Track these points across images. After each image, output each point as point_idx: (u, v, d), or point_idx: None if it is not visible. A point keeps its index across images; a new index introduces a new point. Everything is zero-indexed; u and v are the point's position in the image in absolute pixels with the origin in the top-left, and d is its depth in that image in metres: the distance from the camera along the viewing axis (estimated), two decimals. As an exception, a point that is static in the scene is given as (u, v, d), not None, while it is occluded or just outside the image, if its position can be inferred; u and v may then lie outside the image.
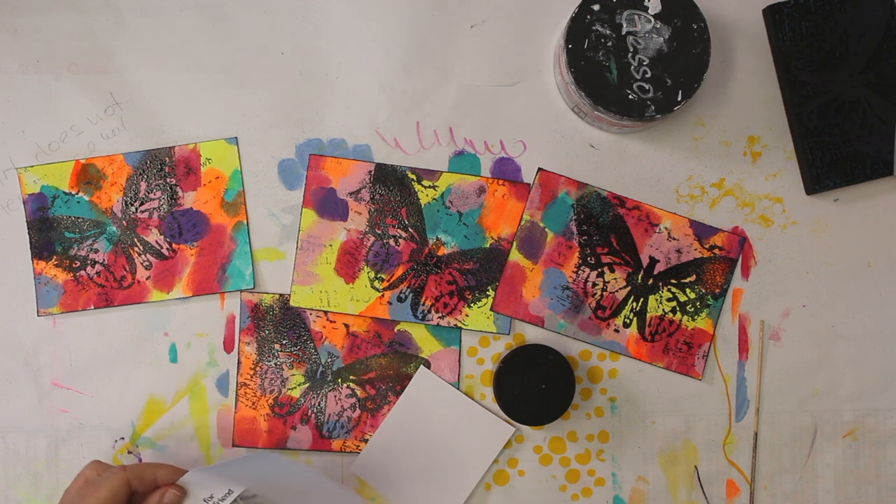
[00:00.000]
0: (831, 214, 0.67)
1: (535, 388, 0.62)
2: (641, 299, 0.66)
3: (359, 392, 0.67)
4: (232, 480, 0.56)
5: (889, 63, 0.65)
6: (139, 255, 0.66)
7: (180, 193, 0.66)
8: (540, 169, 0.66)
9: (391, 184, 0.66)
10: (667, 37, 0.61)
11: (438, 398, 0.66)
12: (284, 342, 0.67)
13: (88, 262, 0.66)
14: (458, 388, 0.66)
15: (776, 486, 0.67)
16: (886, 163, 0.65)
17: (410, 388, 0.66)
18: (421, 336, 0.67)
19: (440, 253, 0.66)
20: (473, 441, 0.66)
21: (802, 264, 0.67)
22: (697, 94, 0.66)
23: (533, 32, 0.66)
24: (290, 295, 0.66)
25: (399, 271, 0.66)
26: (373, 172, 0.66)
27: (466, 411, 0.66)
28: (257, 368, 0.66)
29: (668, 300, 0.66)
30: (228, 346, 0.67)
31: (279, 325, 0.66)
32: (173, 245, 0.66)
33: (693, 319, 0.66)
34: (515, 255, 0.66)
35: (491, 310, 0.66)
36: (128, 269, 0.66)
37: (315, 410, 0.66)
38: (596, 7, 0.61)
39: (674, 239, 0.66)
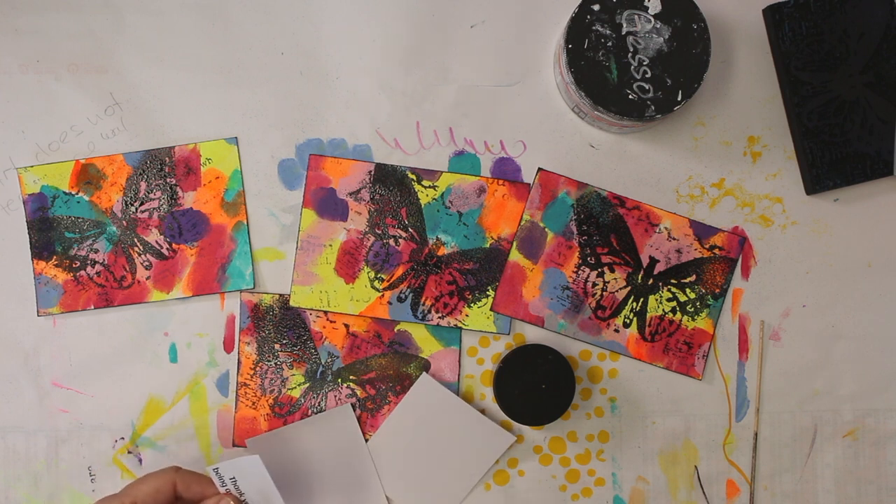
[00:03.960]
0: (831, 214, 0.67)
1: (535, 388, 0.62)
2: (641, 299, 0.66)
3: (359, 392, 0.67)
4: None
5: (889, 63, 0.65)
6: (139, 255, 0.66)
7: (180, 193, 0.66)
8: (540, 169, 0.66)
9: (391, 184, 0.66)
10: (667, 37, 0.61)
11: (439, 405, 0.66)
12: (284, 342, 0.67)
13: (88, 262, 0.66)
14: (458, 395, 0.66)
15: (776, 486, 0.67)
16: (886, 163, 0.65)
17: (411, 394, 0.66)
18: (421, 336, 0.67)
19: (440, 253, 0.66)
20: (473, 448, 0.66)
21: (802, 264, 0.67)
22: (697, 94, 0.66)
23: (533, 32, 0.66)
24: (290, 295, 0.66)
25: (399, 271, 0.66)
26: (373, 172, 0.66)
27: (467, 419, 0.66)
28: (257, 368, 0.66)
29: (668, 300, 0.66)
30: (228, 346, 0.67)
31: (279, 325, 0.66)
32: (173, 245, 0.66)
33: (693, 319, 0.66)
34: (515, 255, 0.66)
35: (491, 310, 0.66)
36: (128, 269, 0.66)
37: (315, 410, 0.66)
38: (596, 7, 0.61)
39: (674, 239, 0.66)
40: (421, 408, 0.66)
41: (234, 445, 0.67)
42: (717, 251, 0.66)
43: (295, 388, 0.67)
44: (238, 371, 0.67)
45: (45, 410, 0.67)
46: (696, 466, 0.67)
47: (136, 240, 0.66)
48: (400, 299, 0.66)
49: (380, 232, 0.66)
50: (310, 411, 0.66)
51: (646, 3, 0.61)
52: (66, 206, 0.66)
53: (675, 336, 0.67)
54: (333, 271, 0.66)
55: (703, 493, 0.67)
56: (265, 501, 0.60)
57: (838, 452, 0.67)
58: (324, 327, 0.66)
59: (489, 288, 0.66)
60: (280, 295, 0.67)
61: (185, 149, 0.66)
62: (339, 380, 0.67)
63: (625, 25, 0.61)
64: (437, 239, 0.66)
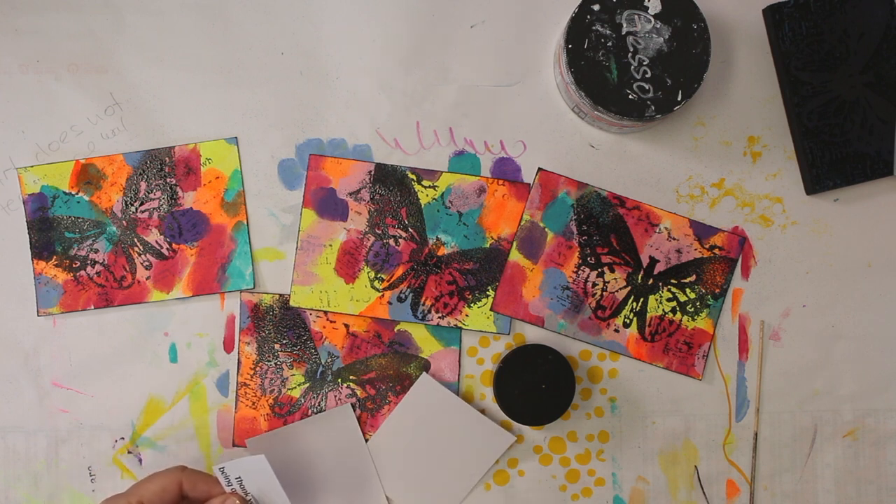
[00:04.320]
0: (831, 214, 0.67)
1: (535, 388, 0.62)
2: (641, 299, 0.66)
3: (359, 392, 0.67)
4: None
5: (889, 63, 0.65)
6: (139, 255, 0.66)
7: (180, 193, 0.66)
8: (540, 169, 0.66)
9: (391, 184, 0.66)
10: (667, 37, 0.61)
11: (439, 405, 0.66)
12: (284, 342, 0.67)
13: (88, 262, 0.66)
14: (458, 395, 0.66)
15: (776, 486, 0.67)
16: (886, 163, 0.65)
17: (411, 394, 0.66)
18: (421, 336, 0.67)
19: (440, 253, 0.66)
20: (473, 448, 0.66)
21: (802, 264, 0.67)
22: (697, 94, 0.66)
23: (533, 32, 0.66)
24: (290, 295, 0.66)
25: (399, 271, 0.66)
26: (373, 172, 0.66)
27: (467, 419, 0.66)
28: (257, 368, 0.66)
29: (668, 300, 0.66)
30: (228, 346, 0.67)
31: (279, 325, 0.66)
32: (173, 245, 0.66)
33: (693, 319, 0.66)
34: (515, 255, 0.66)
35: (491, 310, 0.66)
36: (128, 269, 0.66)
37: (315, 410, 0.66)
38: (596, 7, 0.61)
39: (674, 239, 0.66)
40: (421, 408, 0.66)
41: (234, 445, 0.67)
42: (717, 251, 0.66)
43: (295, 388, 0.67)
44: (238, 371, 0.67)
45: (45, 410, 0.67)
46: (696, 466, 0.67)
47: (136, 240, 0.66)
48: (400, 299, 0.66)
49: (380, 232, 0.66)
50: (310, 411, 0.66)
51: (646, 3, 0.61)
52: (66, 206, 0.66)
53: (675, 336, 0.67)
54: (333, 271, 0.66)
55: (703, 493, 0.67)
56: (271, 501, 0.60)
57: (838, 452, 0.67)
58: (324, 327, 0.66)
59: (489, 288, 0.66)
60: (280, 295, 0.67)
61: (185, 149, 0.66)
62: (339, 380, 0.67)
63: (625, 25, 0.61)
64: (437, 239, 0.66)
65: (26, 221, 0.66)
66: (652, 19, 0.61)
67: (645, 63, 0.61)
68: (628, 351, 0.67)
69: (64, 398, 0.67)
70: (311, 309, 0.66)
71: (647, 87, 0.61)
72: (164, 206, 0.66)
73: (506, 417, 0.65)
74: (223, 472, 0.58)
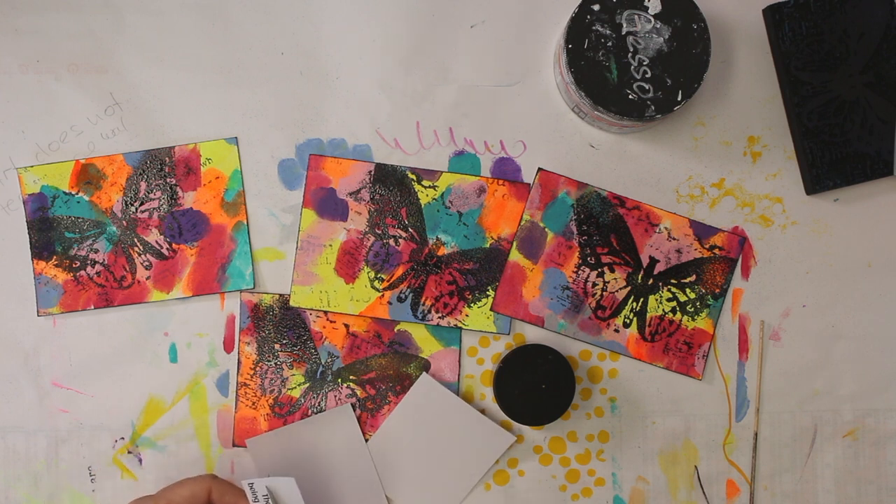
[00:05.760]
0: (831, 214, 0.67)
1: (535, 388, 0.62)
2: (641, 299, 0.66)
3: (359, 392, 0.67)
4: None
5: (889, 63, 0.65)
6: (139, 255, 0.66)
7: (180, 193, 0.66)
8: (540, 169, 0.66)
9: (391, 184, 0.66)
10: (667, 37, 0.61)
11: (439, 405, 0.66)
12: (284, 342, 0.67)
13: (88, 262, 0.66)
14: (458, 395, 0.66)
15: (776, 486, 0.67)
16: (886, 163, 0.65)
17: (411, 394, 0.66)
18: (421, 336, 0.67)
19: (440, 253, 0.66)
20: (473, 448, 0.66)
21: (802, 264, 0.67)
22: (697, 94, 0.66)
23: (533, 32, 0.66)
24: (290, 295, 0.66)
25: (399, 271, 0.66)
26: (373, 172, 0.66)
27: (467, 419, 0.66)
28: (257, 368, 0.66)
29: (668, 300, 0.66)
30: (228, 346, 0.67)
31: (279, 325, 0.66)
32: (173, 245, 0.66)
33: (693, 319, 0.66)
34: (515, 255, 0.66)
35: (491, 310, 0.66)
36: (128, 269, 0.66)
37: (315, 410, 0.66)
38: (596, 7, 0.61)
39: (674, 239, 0.66)
40: (421, 408, 0.66)
41: (234, 445, 0.67)
42: (717, 251, 0.66)
43: (295, 388, 0.67)
44: (238, 371, 0.67)
45: (45, 410, 0.67)
46: (696, 466, 0.67)
47: (136, 240, 0.66)
48: (400, 299, 0.66)
49: (380, 232, 0.66)
50: (310, 411, 0.66)
51: (646, 3, 0.61)
52: (66, 206, 0.66)
53: (675, 336, 0.67)
54: (333, 271, 0.66)
55: (703, 493, 0.67)
56: None
57: (838, 452, 0.67)
58: (324, 327, 0.66)
59: (489, 288, 0.66)
60: (280, 295, 0.67)
61: (185, 149, 0.66)
62: (339, 380, 0.67)
63: (625, 25, 0.61)
64: (437, 239, 0.66)
65: (26, 221, 0.66)
66: (652, 19, 0.61)
67: (645, 63, 0.61)
68: (628, 351, 0.67)
69: (64, 398, 0.67)
70: (311, 309, 0.66)
71: (647, 87, 0.61)
72: (164, 206, 0.66)
73: (506, 417, 0.65)
74: (251, 488, 0.58)
